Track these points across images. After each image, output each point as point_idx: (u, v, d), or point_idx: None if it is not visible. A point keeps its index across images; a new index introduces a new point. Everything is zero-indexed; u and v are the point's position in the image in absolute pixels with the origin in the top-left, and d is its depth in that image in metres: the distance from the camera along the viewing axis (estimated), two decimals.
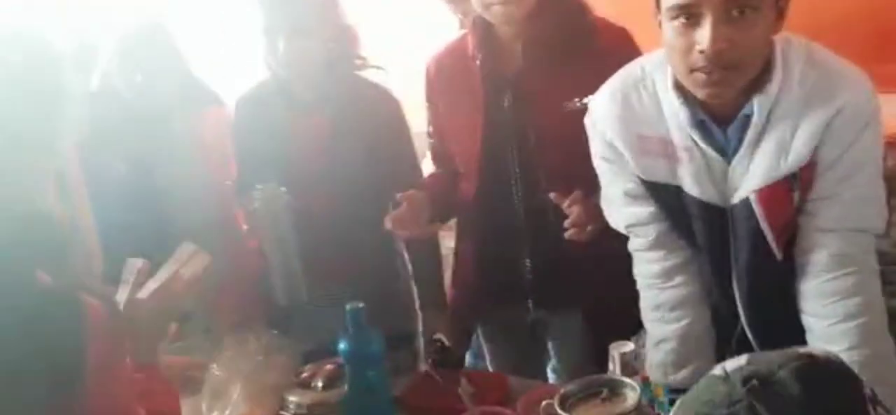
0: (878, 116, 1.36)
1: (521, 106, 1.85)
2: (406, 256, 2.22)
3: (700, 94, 1.35)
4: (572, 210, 1.70)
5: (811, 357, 0.85)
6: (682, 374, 1.54)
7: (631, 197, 1.52)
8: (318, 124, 2.04)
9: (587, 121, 1.56)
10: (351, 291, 2.08)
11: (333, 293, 2.12)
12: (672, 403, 1.47)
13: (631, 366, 1.41)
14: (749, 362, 0.86)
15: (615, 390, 1.33)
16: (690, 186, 1.43)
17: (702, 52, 1.28)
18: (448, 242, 2.29)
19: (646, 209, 1.51)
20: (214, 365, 1.77)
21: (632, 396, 1.31)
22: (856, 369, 1.29)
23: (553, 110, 1.82)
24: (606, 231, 1.72)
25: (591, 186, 1.71)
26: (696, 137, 1.39)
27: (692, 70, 1.32)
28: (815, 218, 1.39)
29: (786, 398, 0.79)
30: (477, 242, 2.01)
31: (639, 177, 1.49)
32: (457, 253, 2.12)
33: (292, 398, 1.73)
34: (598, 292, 1.90)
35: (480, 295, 2.04)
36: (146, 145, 2.18)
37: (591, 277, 1.89)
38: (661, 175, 1.46)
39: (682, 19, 1.30)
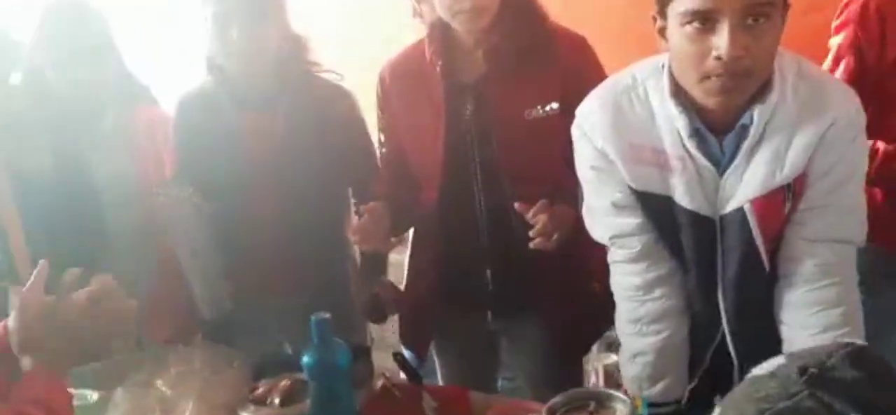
0: (864, 128, 1.37)
1: (482, 113, 1.81)
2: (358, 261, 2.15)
3: (711, 101, 1.33)
4: (538, 219, 1.66)
5: (854, 345, 0.85)
6: (658, 387, 1.52)
7: (618, 207, 1.48)
8: (269, 124, 1.94)
9: (574, 130, 1.53)
10: (301, 301, 2.01)
11: (281, 303, 2.04)
12: None
13: (614, 378, 1.38)
14: (791, 358, 0.85)
15: (603, 402, 1.29)
16: (682, 196, 1.42)
17: (718, 58, 1.27)
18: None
19: (632, 220, 1.48)
20: (160, 382, 1.65)
21: (621, 409, 1.27)
22: None
23: (515, 117, 1.79)
24: (570, 240, 1.71)
25: (553, 192, 1.70)
26: (691, 147, 1.38)
27: (704, 77, 1.30)
28: (802, 228, 1.40)
29: (844, 382, 0.79)
30: (437, 251, 1.94)
31: (629, 187, 1.46)
32: (413, 265, 2.05)
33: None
34: (560, 302, 1.89)
35: (438, 306, 1.97)
36: (76, 143, 2.02)
37: (552, 286, 1.87)
38: (652, 185, 1.44)
39: (695, 25, 1.28)
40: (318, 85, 2.00)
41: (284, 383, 1.67)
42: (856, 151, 1.37)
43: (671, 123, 1.40)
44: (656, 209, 1.46)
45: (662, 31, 1.38)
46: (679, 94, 1.38)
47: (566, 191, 1.72)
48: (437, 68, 1.81)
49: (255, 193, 1.94)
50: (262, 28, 1.86)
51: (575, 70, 1.80)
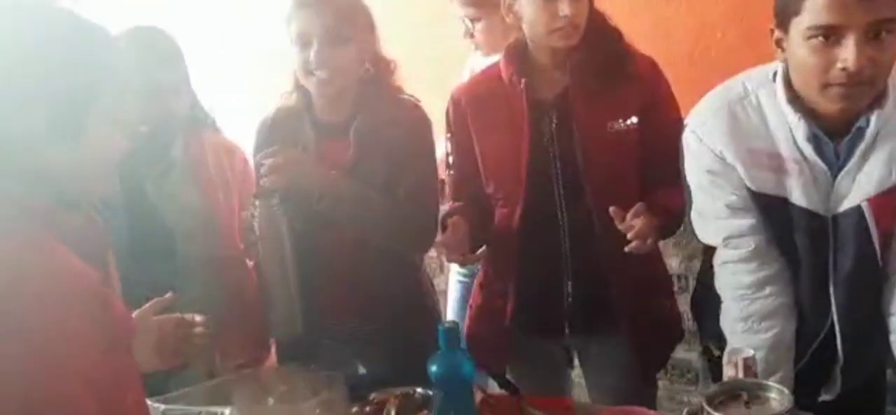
0: None
1: (565, 127, 1.87)
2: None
3: (833, 108, 1.42)
4: (636, 222, 1.72)
5: None
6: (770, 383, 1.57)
7: (733, 209, 1.56)
8: (344, 148, 1.95)
9: (689, 137, 1.60)
10: (373, 326, 2.01)
11: (354, 327, 2.03)
12: None
13: (752, 370, 1.43)
14: None
15: (754, 392, 1.34)
16: (799, 197, 1.50)
17: (844, 69, 1.36)
18: None
19: (746, 221, 1.55)
20: (271, 400, 1.64)
21: (777, 398, 1.32)
22: None
23: (599, 130, 1.86)
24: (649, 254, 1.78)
25: (632, 203, 1.75)
26: (808, 151, 1.46)
27: (827, 85, 1.39)
28: None
29: None
30: (515, 268, 1.97)
31: (747, 188, 1.53)
32: (486, 284, 2.07)
33: None
34: (637, 315, 1.94)
35: (516, 324, 1.99)
36: (145, 173, 1.98)
37: (631, 299, 1.92)
38: (769, 186, 1.52)
39: (820, 39, 1.37)
40: (394, 107, 1.99)
41: (395, 397, 1.67)
42: None
43: (786, 129, 1.48)
44: (771, 210, 1.54)
45: (779, 43, 1.46)
46: (795, 101, 1.47)
47: (647, 201, 1.78)
48: (521, 86, 1.87)
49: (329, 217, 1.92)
50: (341, 51, 1.87)
51: (650, 87, 1.88)
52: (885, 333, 1.56)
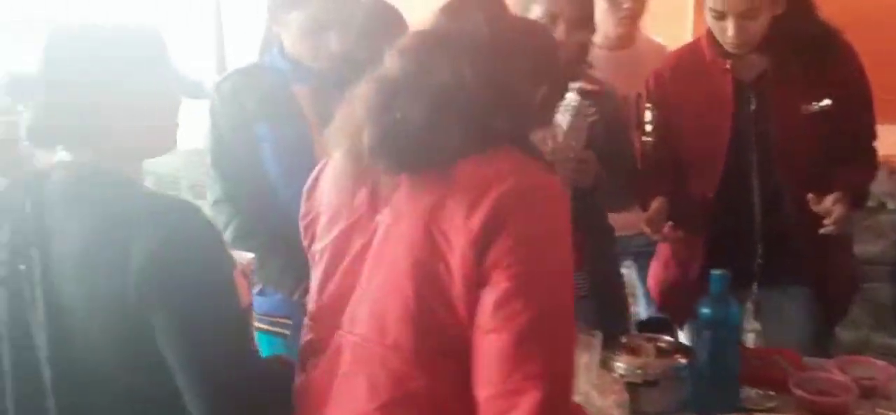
0: None
1: (764, 109, 2.09)
2: None
3: None
4: (835, 208, 1.95)
5: None
6: None
7: None
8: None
9: None
10: None
11: None
12: None
13: None
14: None
15: None
16: None
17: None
18: None
19: None
20: None
21: None
22: None
23: (793, 113, 2.07)
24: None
25: (822, 181, 1.99)
26: None
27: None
28: None
29: None
30: (709, 235, 2.17)
31: None
32: (676, 249, 2.26)
33: (620, 365, 1.78)
34: (823, 274, 2.16)
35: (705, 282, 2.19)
36: None
37: (817, 255, 2.12)
38: None
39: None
40: None
41: (647, 340, 1.87)
42: None
43: None
44: None
45: None
46: None
47: (834, 175, 2.02)
48: (727, 66, 2.09)
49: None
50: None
51: (845, 68, 2.08)
52: None
